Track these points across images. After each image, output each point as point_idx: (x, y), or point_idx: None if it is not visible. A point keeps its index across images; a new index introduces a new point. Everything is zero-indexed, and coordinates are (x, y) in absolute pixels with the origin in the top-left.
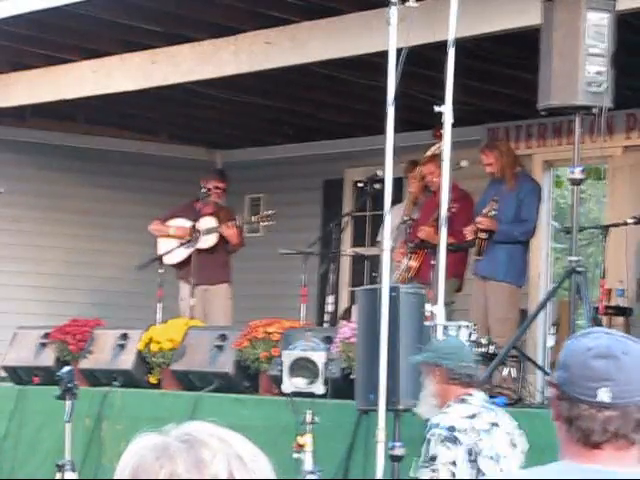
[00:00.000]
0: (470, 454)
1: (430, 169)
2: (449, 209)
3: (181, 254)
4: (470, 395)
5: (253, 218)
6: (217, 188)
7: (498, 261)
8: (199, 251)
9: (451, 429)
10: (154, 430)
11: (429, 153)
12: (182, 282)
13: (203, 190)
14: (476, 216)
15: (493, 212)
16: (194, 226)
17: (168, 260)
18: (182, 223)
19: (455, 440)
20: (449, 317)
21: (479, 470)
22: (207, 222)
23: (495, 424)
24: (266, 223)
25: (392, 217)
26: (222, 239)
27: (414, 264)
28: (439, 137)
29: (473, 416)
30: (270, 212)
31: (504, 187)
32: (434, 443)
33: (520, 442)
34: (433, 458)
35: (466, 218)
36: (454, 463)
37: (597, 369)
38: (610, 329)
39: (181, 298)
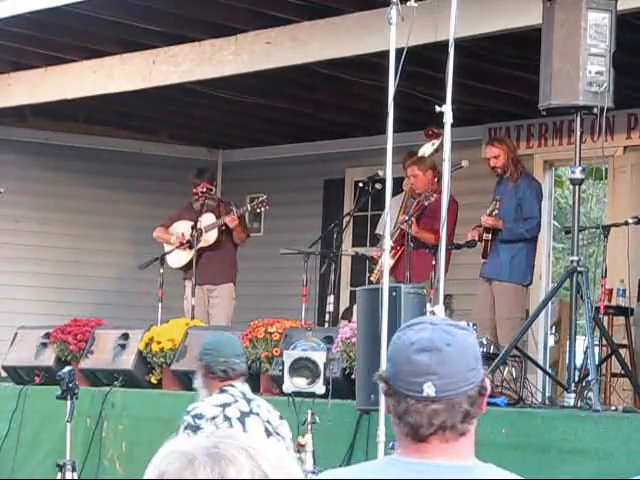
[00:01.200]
0: None
1: (413, 171)
2: (428, 198)
3: (186, 257)
4: (231, 386)
5: (249, 206)
6: (204, 190)
7: (501, 262)
8: (203, 250)
9: (197, 416)
10: (190, 433)
11: (420, 153)
12: (187, 281)
13: (194, 197)
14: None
15: (496, 211)
16: (194, 226)
17: (173, 264)
18: (185, 226)
19: (197, 428)
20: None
21: None
22: (207, 219)
23: (252, 413)
24: (262, 208)
25: (390, 209)
26: (223, 234)
27: (390, 261)
28: (430, 136)
29: (226, 404)
30: (264, 197)
31: (506, 186)
32: (181, 430)
33: (282, 431)
34: None
35: (450, 220)
36: None
37: (420, 364)
38: (437, 318)
39: (185, 297)
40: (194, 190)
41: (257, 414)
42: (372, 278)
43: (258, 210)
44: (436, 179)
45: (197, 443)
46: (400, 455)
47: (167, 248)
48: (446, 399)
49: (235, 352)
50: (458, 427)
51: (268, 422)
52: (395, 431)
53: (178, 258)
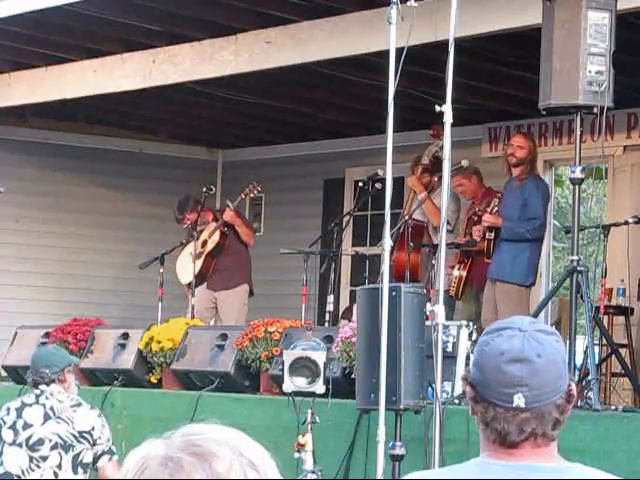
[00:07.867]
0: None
1: (459, 181)
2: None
3: (196, 268)
4: (38, 389)
5: (242, 195)
6: (193, 219)
7: (503, 262)
8: (211, 257)
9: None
10: (156, 436)
11: (427, 153)
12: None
13: (186, 227)
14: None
15: (495, 208)
16: (198, 237)
17: (184, 280)
18: (186, 258)
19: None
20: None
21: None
22: (208, 228)
23: (36, 404)
24: (253, 193)
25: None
26: (226, 237)
27: (463, 274)
28: (436, 136)
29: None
30: (252, 184)
31: (513, 185)
32: None
33: (70, 417)
34: None
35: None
36: None
37: (511, 375)
38: (524, 322)
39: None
40: (187, 220)
41: (42, 405)
42: (451, 292)
43: (251, 195)
44: (482, 181)
45: (172, 443)
46: (488, 458)
47: (178, 256)
48: (536, 409)
49: (45, 363)
50: (549, 434)
51: (51, 409)
52: (480, 434)
53: (186, 273)
